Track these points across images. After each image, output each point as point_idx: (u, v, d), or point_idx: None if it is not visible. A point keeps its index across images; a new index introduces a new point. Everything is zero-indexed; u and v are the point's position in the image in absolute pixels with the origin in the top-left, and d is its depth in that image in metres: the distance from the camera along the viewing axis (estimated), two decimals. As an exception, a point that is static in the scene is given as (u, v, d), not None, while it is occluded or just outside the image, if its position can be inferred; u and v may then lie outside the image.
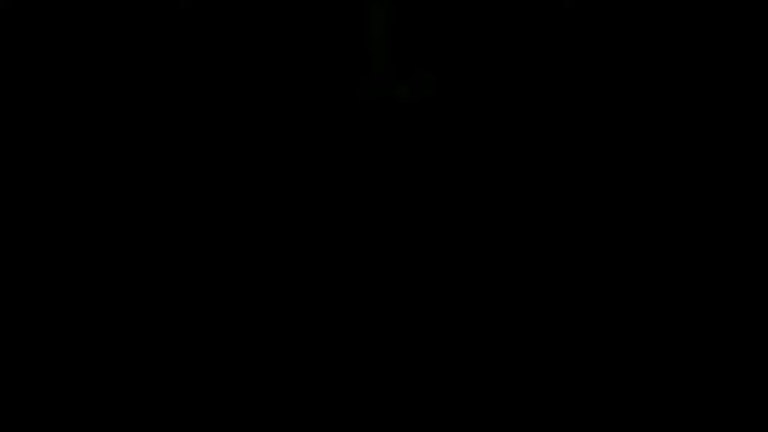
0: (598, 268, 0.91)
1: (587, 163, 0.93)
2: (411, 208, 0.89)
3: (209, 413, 0.89)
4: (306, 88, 0.93)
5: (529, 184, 0.92)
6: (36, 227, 0.91)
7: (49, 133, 0.92)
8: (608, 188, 0.92)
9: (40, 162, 0.91)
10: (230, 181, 0.92)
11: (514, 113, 0.93)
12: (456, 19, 0.95)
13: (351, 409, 0.89)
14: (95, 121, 0.92)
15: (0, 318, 0.92)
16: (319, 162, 0.95)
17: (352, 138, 0.90)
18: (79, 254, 0.90)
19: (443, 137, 0.97)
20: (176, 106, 0.93)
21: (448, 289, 0.92)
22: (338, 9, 0.95)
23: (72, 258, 0.90)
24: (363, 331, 0.91)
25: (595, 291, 0.93)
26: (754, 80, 0.93)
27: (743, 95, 0.93)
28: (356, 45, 0.94)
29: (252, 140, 0.93)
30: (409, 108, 0.90)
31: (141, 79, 0.93)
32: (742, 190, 0.92)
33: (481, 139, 0.93)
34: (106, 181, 0.91)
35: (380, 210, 0.88)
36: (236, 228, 0.91)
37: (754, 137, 0.92)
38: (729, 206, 0.92)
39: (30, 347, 0.91)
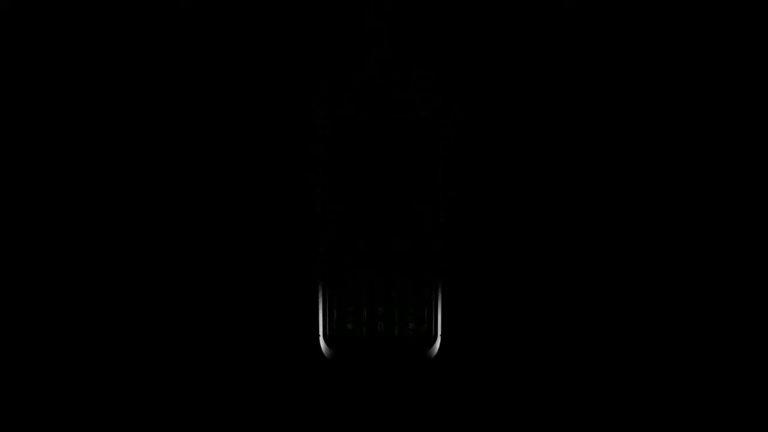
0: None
1: (588, 163, 0.93)
2: (408, 206, 0.90)
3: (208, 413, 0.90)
4: (306, 88, 0.93)
5: (530, 184, 0.93)
6: (35, 227, 0.92)
7: (49, 133, 0.93)
8: (608, 189, 0.93)
9: (39, 162, 0.92)
10: (230, 181, 0.93)
11: (513, 113, 0.93)
12: (455, 19, 0.95)
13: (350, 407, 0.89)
14: (95, 121, 0.93)
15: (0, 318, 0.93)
16: (318, 162, 0.95)
17: (350, 139, 0.90)
18: (78, 254, 0.91)
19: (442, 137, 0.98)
20: (176, 106, 0.93)
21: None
22: (338, 9, 0.96)
23: (71, 258, 0.91)
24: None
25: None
26: (754, 80, 0.93)
27: (744, 95, 0.94)
28: (356, 44, 0.94)
29: (252, 140, 0.93)
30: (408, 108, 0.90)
31: (141, 79, 0.93)
32: (742, 190, 0.93)
33: (480, 138, 0.94)
34: (105, 180, 0.92)
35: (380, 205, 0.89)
36: (236, 228, 0.92)
37: (755, 137, 0.93)
38: (729, 206, 0.92)
39: (29, 347, 0.92)
